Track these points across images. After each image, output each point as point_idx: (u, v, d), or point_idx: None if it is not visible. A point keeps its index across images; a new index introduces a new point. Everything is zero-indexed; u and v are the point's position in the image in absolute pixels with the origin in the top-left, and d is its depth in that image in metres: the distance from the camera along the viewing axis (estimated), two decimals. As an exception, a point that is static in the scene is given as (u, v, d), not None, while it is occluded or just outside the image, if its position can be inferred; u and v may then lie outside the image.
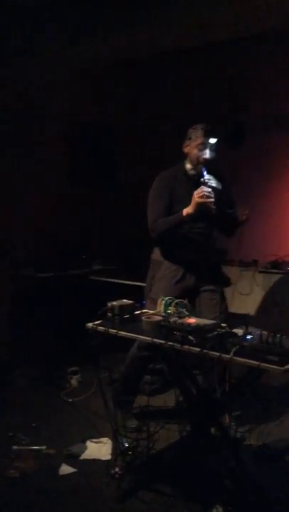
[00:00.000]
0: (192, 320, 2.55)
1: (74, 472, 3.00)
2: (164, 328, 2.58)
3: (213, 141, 3.19)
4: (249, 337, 2.41)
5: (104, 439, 3.29)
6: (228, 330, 2.54)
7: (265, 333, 2.36)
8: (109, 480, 2.86)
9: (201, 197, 3.06)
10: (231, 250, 4.23)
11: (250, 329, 2.51)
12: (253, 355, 2.29)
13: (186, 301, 2.80)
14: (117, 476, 2.86)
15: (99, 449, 3.21)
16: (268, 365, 2.22)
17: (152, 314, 2.80)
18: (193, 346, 2.42)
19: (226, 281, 3.53)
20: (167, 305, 2.78)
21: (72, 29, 4.21)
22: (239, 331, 2.52)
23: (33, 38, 4.29)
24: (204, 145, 3.21)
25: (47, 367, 4.37)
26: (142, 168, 5.45)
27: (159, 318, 2.70)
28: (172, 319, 2.60)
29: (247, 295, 4.41)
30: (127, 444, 3.08)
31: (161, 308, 2.80)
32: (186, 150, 3.32)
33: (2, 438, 3.31)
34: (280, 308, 4.43)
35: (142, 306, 3.05)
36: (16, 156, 4.91)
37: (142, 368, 3.57)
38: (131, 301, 2.92)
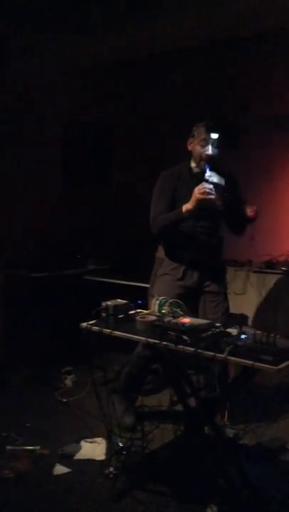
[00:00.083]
0: (186, 319, 2.55)
1: (68, 472, 2.99)
2: (158, 327, 2.58)
3: (215, 136, 3.16)
4: (243, 336, 2.41)
5: (99, 439, 3.29)
6: (223, 329, 2.54)
7: (259, 332, 2.37)
8: (104, 480, 2.86)
9: (202, 193, 3.04)
10: (226, 250, 4.23)
11: (245, 329, 2.52)
12: (247, 354, 2.29)
13: (179, 301, 2.81)
14: (111, 475, 2.86)
15: (93, 449, 3.21)
16: (262, 365, 2.22)
17: (147, 314, 2.80)
18: (187, 346, 2.42)
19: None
20: (161, 305, 2.78)
21: (72, 29, 4.20)
22: (233, 331, 2.53)
23: (33, 38, 4.28)
24: (206, 141, 3.19)
25: (41, 367, 4.36)
26: (142, 168, 5.47)
27: (153, 318, 2.71)
28: (166, 319, 2.60)
29: (241, 295, 4.42)
30: (121, 444, 3.08)
31: (155, 308, 2.81)
32: (190, 147, 3.31)
33: (-4, 438, 3.31)
34: (273, 308, 4.44)
35: (137, 306, 3.04)
36: (14, 156, 4.91)
37: (147, 366, 3.56)
38: (125, 301, 2.91)
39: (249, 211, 3.17)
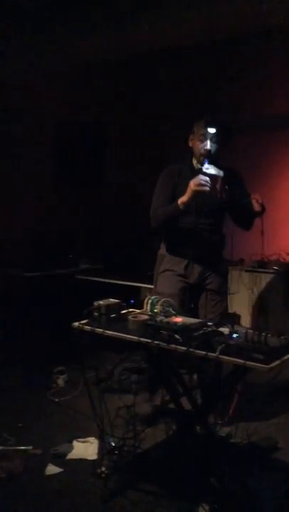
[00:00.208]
0: (178, 319, 2.56)
1: (60, 472, 2.99)
2: (150, 327, 2.57)
3: (212, 130, 3.14)
4: (235, 335, 2.42)
5: (91, 439, 3.28)
6: (215, 328, 2.55)
7: (251, 331, 2.38)
8: (96, 479, 2.86)
9: (197, 185, 3.04)
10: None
11: (236, 328, 2.52)
12: (238, 353, 2.29)
13: (172, 300, 2.81)
14: (103, 475, 2.86)
15: (85, 449, 3.21)
16: (254, 364, 2.22)
17: (139, 313, 2.80)
18: (179, 345, 2.42)
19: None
20: (153, 304, 2.78)
21: (72, 29, 4.20)
22: (225, 330, 2.53)
23: (33, 38, 4.27)
24: (204, 135, 3.18)
25: (33, 366, 4.35)
26: (142, 168, 5.46)
27: (145, 317, 2.70)
28: (159, 318, 2.60)
29: (233, 294, 4.42)
30: (113, 444, 3.08)
31: (147, 307, 2.80)
32: (190, 144, 3.31)
33: (-12, 438, 3.29)
34: (265, 306, 4.46)
35: (129, 305, 3.03)
36: (8, 156, 4.89)
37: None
38: (117, 301, 2.91)
39: (255, 206, 3.10)
